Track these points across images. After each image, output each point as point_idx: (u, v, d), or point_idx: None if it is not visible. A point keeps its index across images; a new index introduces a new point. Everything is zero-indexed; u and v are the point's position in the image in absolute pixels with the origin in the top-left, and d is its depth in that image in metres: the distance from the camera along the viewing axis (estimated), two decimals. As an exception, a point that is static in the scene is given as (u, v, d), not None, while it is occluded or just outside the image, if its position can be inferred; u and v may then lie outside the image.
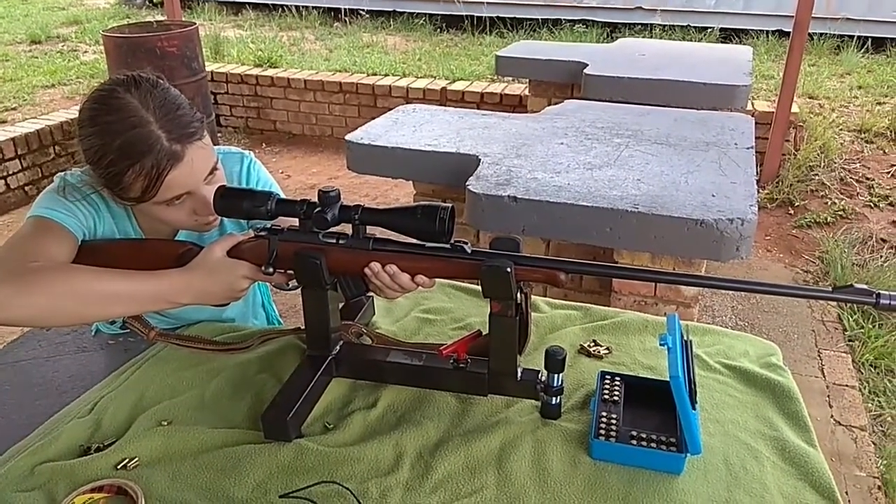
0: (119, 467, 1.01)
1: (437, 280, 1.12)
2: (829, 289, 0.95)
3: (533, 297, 1.15)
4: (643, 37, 6.72)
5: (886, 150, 4.38)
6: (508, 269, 1.01)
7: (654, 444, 1.01)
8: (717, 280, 1.00)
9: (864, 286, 0.91)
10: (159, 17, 5.77)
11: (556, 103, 3.10)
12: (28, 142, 4.15)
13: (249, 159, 1.39)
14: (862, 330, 2.80)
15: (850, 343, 2.78)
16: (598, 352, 1.28)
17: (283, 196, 1.34)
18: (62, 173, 1.25)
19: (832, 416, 2.38)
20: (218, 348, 1.29)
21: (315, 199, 1.07)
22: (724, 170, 2.21)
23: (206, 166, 1.17)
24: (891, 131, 4.55)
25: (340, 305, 1.25)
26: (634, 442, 1.02)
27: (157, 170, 1.09)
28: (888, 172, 4.12)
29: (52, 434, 1.09)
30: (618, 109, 2.92)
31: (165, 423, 1.11)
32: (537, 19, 7.53)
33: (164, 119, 1.10)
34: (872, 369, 2.63)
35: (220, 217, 1.23)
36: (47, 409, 1.18)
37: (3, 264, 1.08)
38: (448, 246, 1.06)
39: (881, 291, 0.91)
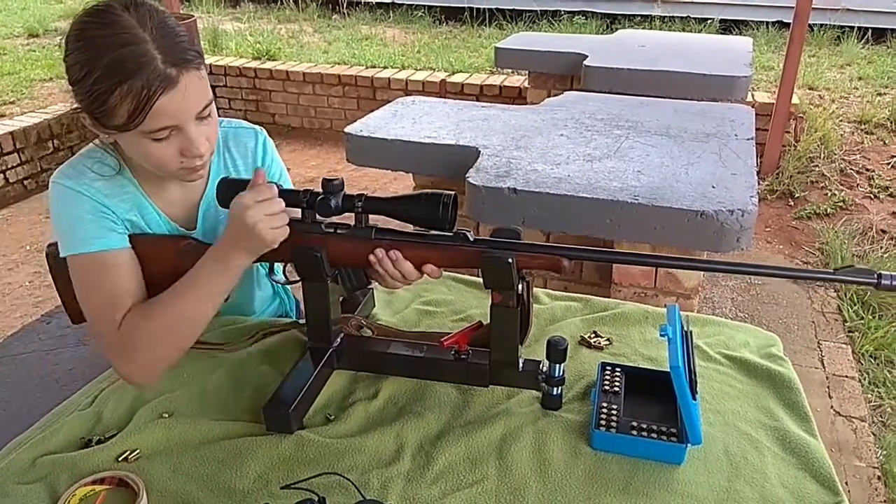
0: (120, 459, 1.02)
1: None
2: (831, 270, 0.95)
3: (533, 288, 1.15)
4: (643, 28, 6.72)
5: (886, 141, 4.37)
6: (509, 260, 1.01)
7: (654, 435, 1.01)
8: (721, 264, 1.00)
9: (866, 267, 0.92)
10: (157, 10, 5.74)
11: (555, 95, 3.09)
12: (27, 136, 4.14)
13: (263, 136, 1.34)
14: (861, 321, 2.80)
15: (850, 334, 2.79)
16: (599, 343, 1.28)
17: (287, 177, 1.32)
18: (52, 180, 1.16)
19: (832, 407, 2.39)
20: (216, 348, 1.28)
21: (318, 189, 1.06)
22: (724, 161, 2.20)
23: (200, 99, 1.07)
24: (891, 122, 4.54)
25: (341, 298, 1.25)
26: (635, 432, 1.02)
27: (147, 92, 0.99)
28: (888, 163, 4.11)
29: (53, 427, 1.09)
30: (617, 101, 2.91)
31: (166, 416, 1.11)
32: (536, 11, 7.50)
33: (162, 40, 1.01)
34: (872, 360, 2.63)
35: (207, 163, 1.16)
36: (48, 402, 1.18)
37: (104, 338, 1.11)
38: (451, 234, 1.06)
39: (882, 272, 0.91)
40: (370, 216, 1.09)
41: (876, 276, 0.91)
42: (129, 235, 1.19)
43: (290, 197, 1.07)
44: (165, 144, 1.07)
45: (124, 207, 1.18)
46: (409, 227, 1.09)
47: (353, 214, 1.09)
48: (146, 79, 0.99)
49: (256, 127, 1.35)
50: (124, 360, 1.11)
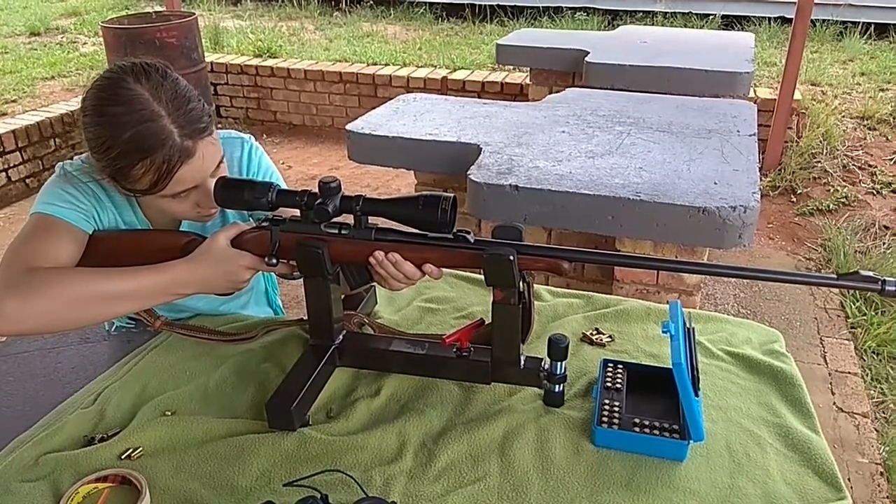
0: (123, 457, 1.02)
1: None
2: (834, 276, 0.94)
3: (535, 285, 1.15)
4: (645, 24, 6.70)
5: (889, 137, 4.36)
6: (511, 258, 1.01)
7: (656, 432, 1.01)
8: (721, 267, 1.00)
9: (870, 273, 0.91)
10: (158, 8, 5.74)
11: (557, 91, 3.09)
12: (28, 134, 4.14)
13: (250, 144, 1.37)
14: (864, 317, 2.80)
15: (853, 330, 2.78)
16: (601, 340, 1.28)
17: (283, 183, 1.33)
18: (62, 162, 1.23)
19: (834, 403, 2.39)
20: (223, 339, 1.29)
21: (316, 189, 1.06)
22: (726, 157, 2.20)
23: (214, 161, 1.16)
24: (893, 118, 4.53)
25: (343, 296, 1.25)
26: (637, 429, 1.02)
27: (168, 165, 1.07)
28: (891, 159, 4.10)
29: (56, 425, 1.10)
30: (619, 97, 2.91)
31: (169, 413, 1.11)
32: (538, 7, 7.49)
33: (177, 113, 1.08)
34: (875, 356, 2.63)
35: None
36: (51, 400, 1.18)
37: (6, 274, 1.06)
38: (451, 236, 1.06)
39: (887, 278, 0.90)
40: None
41: (880, 282, 0.90)
42: (138, 229, 1.25)
43: (287, 198, 1.08)
44: (183, 199, 1.16)
45: (107, 195, 1.23)
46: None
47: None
48: (166, 153, 1.07)
49: (244, 135, 1.38)
50: (13, 297, 1.02)
